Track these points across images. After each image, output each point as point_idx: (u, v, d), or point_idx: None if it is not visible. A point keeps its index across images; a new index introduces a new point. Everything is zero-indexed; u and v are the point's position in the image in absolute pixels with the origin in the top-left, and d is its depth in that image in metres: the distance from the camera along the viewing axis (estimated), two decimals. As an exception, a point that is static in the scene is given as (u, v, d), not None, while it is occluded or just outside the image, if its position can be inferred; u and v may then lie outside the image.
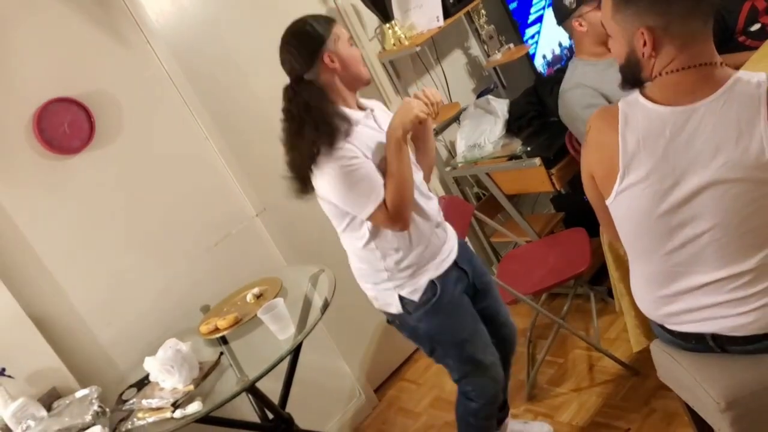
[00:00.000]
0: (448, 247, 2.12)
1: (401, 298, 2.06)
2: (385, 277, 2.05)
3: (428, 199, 2.09)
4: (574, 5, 2.57)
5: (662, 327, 1.69)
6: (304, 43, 1.94)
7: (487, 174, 3.25)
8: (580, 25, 2.60)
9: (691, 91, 1.43)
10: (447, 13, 3.14)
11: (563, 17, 2.64)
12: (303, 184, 1.97)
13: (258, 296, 2.44)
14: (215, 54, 2.94)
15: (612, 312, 2.96)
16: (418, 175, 2.08)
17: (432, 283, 2.05)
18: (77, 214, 2.49)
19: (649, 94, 1.49)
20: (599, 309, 3.04)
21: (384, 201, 1.90)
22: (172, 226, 2.70)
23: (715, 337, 1.57)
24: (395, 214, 1.90)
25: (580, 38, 2.65)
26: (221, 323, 2.32)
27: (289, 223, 3.03)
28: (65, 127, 2.45)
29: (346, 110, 1.96)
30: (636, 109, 1.49)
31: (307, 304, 2.33)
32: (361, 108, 2.05)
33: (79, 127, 2.49)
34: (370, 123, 2.01)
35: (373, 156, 1.92)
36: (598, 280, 3.15)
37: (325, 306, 2.20)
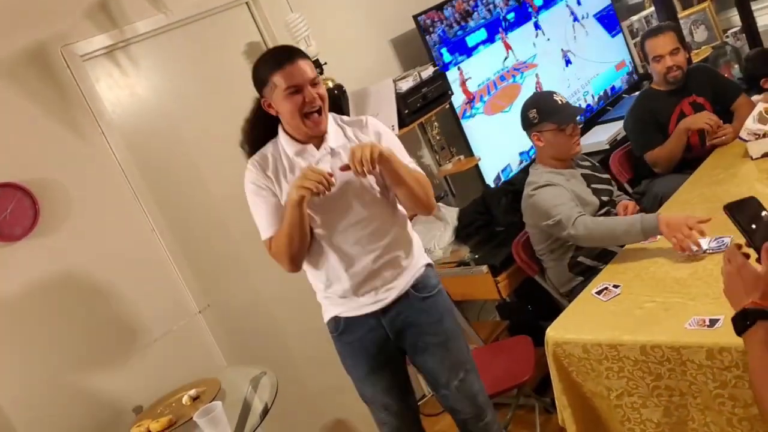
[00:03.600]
0: (369, 301, 2.08)
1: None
2: (314, 287, 2.17)
3: (366, 253, 2.04)
4: (536, 120, 2.71)
5: None
6: (253, 78, 2.04)
7: (435, 279, 3.28)
8: (539, 139, 2.74)
9: None
10: (402, 123, 3.26)
11: (526, 127, 2.79)
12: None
13: (195, 398, 2.36)
14: (170, 147, 2.95)
15: (557, 424, 2.93)
16: (353, 226, 2.04)
17: (337, 318, 2.11)
18: (10, 304, 2.40)
19: None
20: (543, 420, 3.01)
21: (271, 239, 1.99)
22: (111, 321, 2.61)
23: None
24: (274, 256, 2.01)
25: (540, 151, 2.78)
26: (154, 426, 2.22)
27: (234, 320, 2.96)
28: (7, 213, 2.40)
29: (286, 144, 2.04)
30: None
31: (246, 408, 2.25)
32: (316, 142, 2.04)
33: (23, 214, 2.43)
34: (305, 160, 2.01)
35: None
36: (544, 389, 3.14)
37: (265, 411, 2.13)
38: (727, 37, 4.40)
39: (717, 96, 3.20)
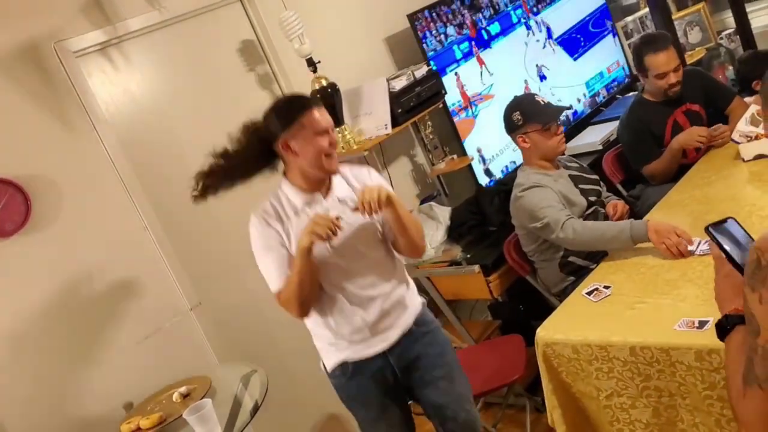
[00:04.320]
0: (379, 340, 2.12)
1: (321, 359, 2.18)
2: (315, 334, 2.16)
3: (377, 295, 2.09)
4: (520, 122, 2.72)
5: None
6: (274, 117, 2.05)
7: (428, 278, 3.28)
8: (524, 141, 2.74)
9: None
10: (395, 122, 3.26)
11: (510, 130, 2.79)
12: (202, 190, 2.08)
13: (185, 395, 2.36)
14: (162, 144, 2.95)
15: (547, 423, 2.94)
16: (358, 264, 2.07)
17: (344, 364, 2.11)
18: (0, 300, 2.39)
19: None
20: (533, 419, 3.02)
21: (280, 290, 2.00)
22: (103, 318, 2.60)
23: None
24: (284, 305, 2.02)
25: (526, 152, 2.78)
26: (144, 423, 2.22)
27: (225, 318, 2.96)
28: (-1, 208, 2.39)
29: (292, 194, 2.05)
30: None
31: (237, 405, 2.25)
32: (324, 192, 2.07)
33: (15, 210, 2.42)
34: (314, 209, 2.04)
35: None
36: (537, 388, 3.14)
37: (255, 409, 2.13)
38: (722, 38, 4.41)
39: (710, 101, 3.21)
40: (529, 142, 2.74)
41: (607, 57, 4.46)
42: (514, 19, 3.90)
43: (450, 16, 3.58)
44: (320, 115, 2.02)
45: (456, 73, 3.54)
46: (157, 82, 2.98)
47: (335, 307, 2.07)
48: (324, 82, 3.12)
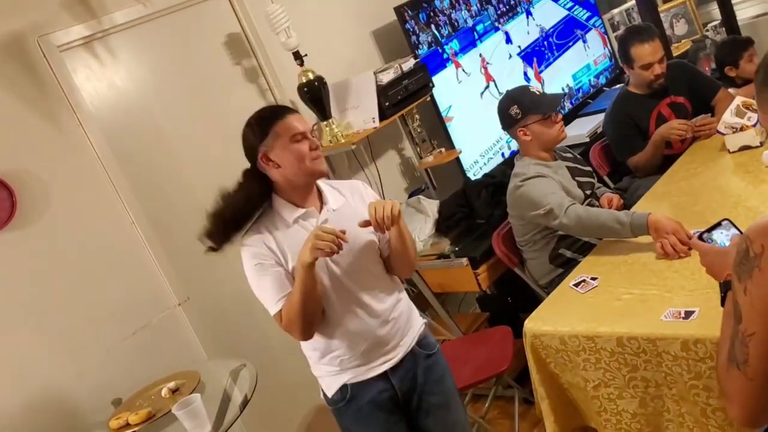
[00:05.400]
0: (383, 359, 2.04)
1: (321, 387, 2.10)
2: (314, 361, 2.07)
3: (381, 312, 2.01)
4: (519, 116, 2.71)
5: None
6: (250, 135, 1.98)
7: (416, 271, 3.28)
8: (525, 134, 2.73)
9: None
10: (383, 115, 3.25)
11: (509, 125, 2.77)
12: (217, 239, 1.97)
13: (174, 391, 2.34)
14: (149, 139, 2.93)
15: (535, 414, 2.96)
16: (357, 284, 1.99)
17: (344, 387, 2.03)
18: (-13, 296, 2.38)
19: None
20: (522, 411, 3.04)
21: (281, 311, 1.89)
22: (90, 313, 2.59)
23: None
24: (286, 327, 1.91)
25: (526, 145, 2.77)
26: (133, 418, 2.21)
27: (213, 313, 2.96)
28: (-17, 205, 2.37)
29: (284, 210, 1.97)
30: None
31: (226, 400, 2.25)
32: (317, 205, 2.01)
33: (0, 206, 2.41)
34: (310, 223, 1.96)
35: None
36: (524, 379, 3.16)
37: (245, 403, 2.13)
38: (707, 30, 4.44)
39: (695, 93, 3.23)
40: (530, 134, 2.72)
41: (576, 62, 4.36)
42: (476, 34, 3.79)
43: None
44: (295, 120, 1.96)
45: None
46: (143, 77, 2.96)
47: (338, 326, 1.98)
48: (311, 76, 3.11)
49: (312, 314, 1.90)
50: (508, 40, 3.96)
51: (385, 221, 1.84)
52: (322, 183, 2.06)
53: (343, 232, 1.80)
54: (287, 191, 1.99)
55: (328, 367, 2.04)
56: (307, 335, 1.95)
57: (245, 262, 1.95)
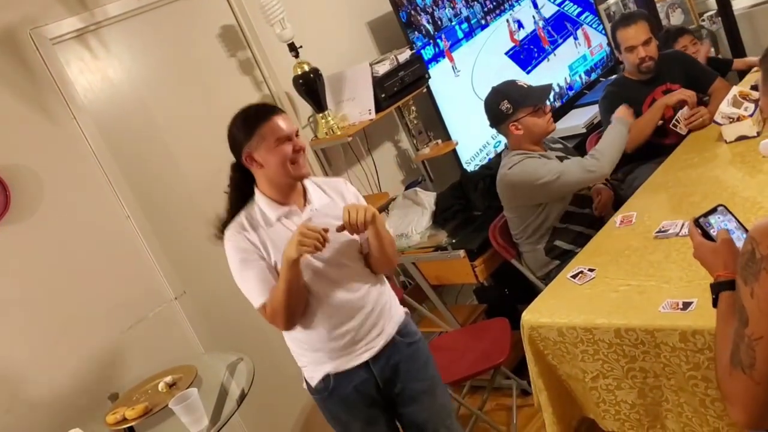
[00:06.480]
0: (364, 348, 2.08)
1: (304, 376, 2.15)
2: (297, 351, 2.13)
3: (363, 304, 2.06)
4: (510, 110, 2.69)
5: None
6: (236, 133, 2.00)
7: (413, 263, 3.28)
8: (517, 128, 2.72)
9: None
10: (379, 107, 3.24)
11: (499, 121, 2.75)
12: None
13: (171, 385, 2.34)
14: (143, 133, 2.91)
15: (533, 406, 2.96)
16: (341, 272, 2.05)
17: (327, 377, 2.08)
18: (-19, 291, 2.36)
19: None
20: (520, 402, 3.04)
21: (265, 303, 1.96)
22: (85, 308, 2.58)
23: None
24: (271, 319, 1.99)
25: (517, 139, 2.75)
26: (129, 413, 2.20)
27: (210, 307, 2.95)
28: (-24, 199, 2.35)
29: (266, 207, 2.01)
30: None
31: (223, 394, 2.24)
32: (300, 203, 2.04)
33: (-7, 200, 2.39)
34: (293, 221, 2.00)
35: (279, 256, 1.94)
36: (522, 370, 3.16)
37: (242, 397, 2.12)
38: (703, 20, 4.43)
39: (691, 82, 3.21)
40: (522, 128, 2.71)
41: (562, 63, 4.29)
42: (460, 34, 3.72)
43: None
44: (281, 122, 1.97)
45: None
46: (137, 69, 2.93)
47: (320, 317, 2.03)
48: (306, 68, 3.10)
49: (296, 306, 1.97)
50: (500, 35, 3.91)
51: (359, 225, 1.91)
52: (307, 181, 2.10)
53: (326, 231, 1.87)
54: (270, 188, 2.03)
55: (310, 357, 2.09)
56: (290, 326, 2.02)
57: (229, 254, 2.02)
